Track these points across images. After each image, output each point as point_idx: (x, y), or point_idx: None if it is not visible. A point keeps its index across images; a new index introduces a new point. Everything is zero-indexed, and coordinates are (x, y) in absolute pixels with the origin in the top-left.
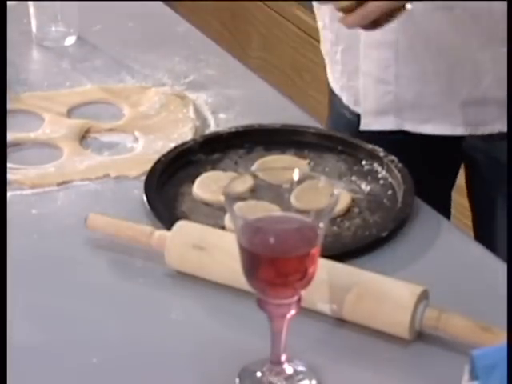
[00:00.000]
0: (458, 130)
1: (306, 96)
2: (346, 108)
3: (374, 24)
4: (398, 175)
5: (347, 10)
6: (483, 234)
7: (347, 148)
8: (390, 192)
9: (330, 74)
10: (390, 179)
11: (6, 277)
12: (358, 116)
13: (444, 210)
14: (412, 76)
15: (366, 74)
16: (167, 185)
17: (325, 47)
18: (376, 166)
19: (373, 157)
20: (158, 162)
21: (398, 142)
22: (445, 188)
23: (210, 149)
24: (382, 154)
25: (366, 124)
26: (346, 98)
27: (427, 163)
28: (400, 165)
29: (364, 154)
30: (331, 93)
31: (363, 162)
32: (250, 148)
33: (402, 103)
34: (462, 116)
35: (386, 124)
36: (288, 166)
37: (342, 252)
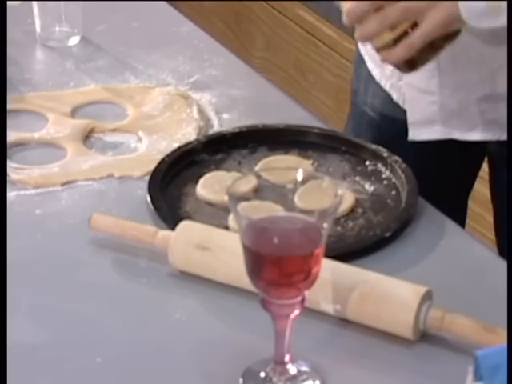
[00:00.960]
0: (505, 136)
1: (310, 96)
2: (369, 105)
3: (412, 65)
4: (402, 175)
5: (387, 47)
6: (504, 236)
7: (351, 148)
8: (393, 192)
9: (377, 72)
10: (393, 179)
11: (5, 276)
12: (380, 115)
13: (459, 217)
14: (455, 85)
15: (409, 86)
16: (171, 185)
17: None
18: (380, 166)
19: (376, 157)
20: (162, 162)
21: (418, 146)
22: (462, 194)
23: (214, 149)
24: (385, 155)
25: (414, 135)
26: (396, 96)
27: (446, 167)
28: (404, 165)
29: (368, 154)
30: (354, 92)
31: (367, 163)
32: (253, 148)
33: (448, 112)
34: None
35: (434, 133)
36: (292, 166)
37: (346, 252)
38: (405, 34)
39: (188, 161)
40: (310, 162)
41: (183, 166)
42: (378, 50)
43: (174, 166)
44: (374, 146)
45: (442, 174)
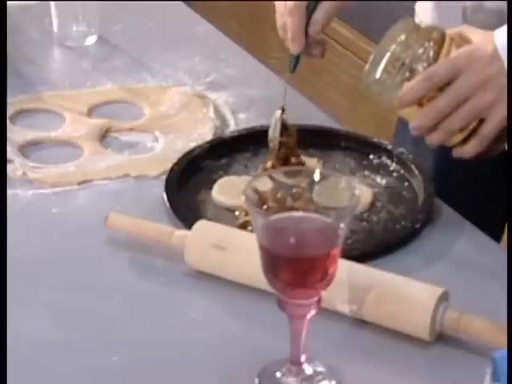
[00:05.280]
0: None
1: (325, 96)
2: None
3: (484, 154)
4: (412, 166)
5: (459, 144)
6: None
7: (351, 143)
8: (406, 184)
9: None
10: (402, 171)
11: (5, 276)
12: None
13: (496, 233)
14: None
15: None
16: (187, 186)
17: None
18: (384, 159)
19: (380, 150)
20: (171, 170)
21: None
22: (502, 212)
23: (217, 154)
24: (390, 147)
25: None
26: None
27: (494, 186)
28: (411, 156)
29: (369, 147)
30: None
31: (371, 156)
32: (255, 150)
33: None
34: None
35: None
36: (302, 167)
37: (380, 247)
38: (473, 130)
39: (194, 167)
40: (315, 160)
41: (191, 173)
42: (450, 147)
43: (183, 174)
44: (375, 140)
45: (487, 191)
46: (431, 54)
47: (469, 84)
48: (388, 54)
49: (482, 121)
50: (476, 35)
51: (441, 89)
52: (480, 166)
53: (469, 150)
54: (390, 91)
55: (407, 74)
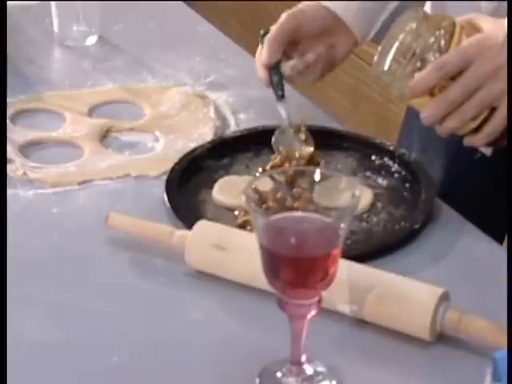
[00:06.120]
0: None
1: (325, 96)
2: None
3: (493, 144)
4: (413, 167)
5: (470, 133)
6: None
7: (353, 144)
8: (407, 185)
9: None
10: (403, 172)
11: (5, 275)
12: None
13: (499, 233)
14: None
15: None
16: (188, 187)
17: None
18: (386, 160)
19: (382, 151)
20: (173, 170)
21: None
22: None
23: (219, 154)
24: (392, 148)
25: None
26: None
27: (500, 184)
28: (412, 157)
29: (371, 148)
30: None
31: (373, 157)
32: (257, 150)
33: None
34: None
35: None
36: (304, 167)
37: (377, 248)
38: (485, 119)
39: (196, 167)
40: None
41: (192, 173)
42: (461, 136)
43: (184, 174)
44: (377, 141)
45: (494, 196)
46: (442, 43)
47: (480, 73)
48: (397, 44)
49: (493, 109)
50: (486, 23)
51: (452, 78)
52: (488, 171)
53: (480, 139)
54: (401, 81)
55: (418, 63)
